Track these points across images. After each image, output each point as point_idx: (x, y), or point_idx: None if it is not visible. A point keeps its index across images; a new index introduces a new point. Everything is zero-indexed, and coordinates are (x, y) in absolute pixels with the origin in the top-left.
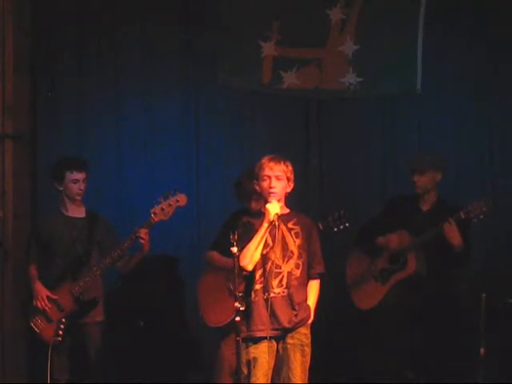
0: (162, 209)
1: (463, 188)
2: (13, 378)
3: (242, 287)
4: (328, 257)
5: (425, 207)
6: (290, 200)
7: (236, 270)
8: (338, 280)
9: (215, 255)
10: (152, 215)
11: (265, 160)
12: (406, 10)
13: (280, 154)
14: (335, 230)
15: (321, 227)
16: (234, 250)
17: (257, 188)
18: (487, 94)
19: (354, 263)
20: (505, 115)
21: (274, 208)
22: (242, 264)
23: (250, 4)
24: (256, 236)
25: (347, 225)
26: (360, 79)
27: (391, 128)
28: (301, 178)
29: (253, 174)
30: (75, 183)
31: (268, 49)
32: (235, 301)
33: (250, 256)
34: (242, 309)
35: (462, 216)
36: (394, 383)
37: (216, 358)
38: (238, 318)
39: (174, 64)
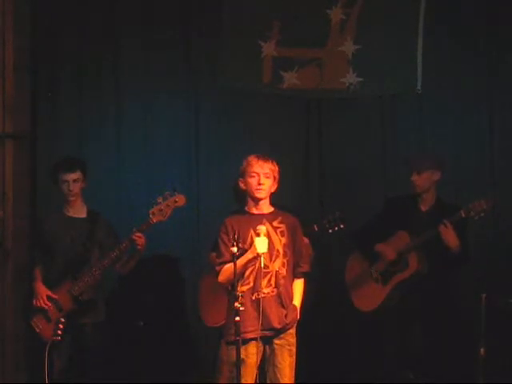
0: (161, 210)
1: (463, 188)
2: (13, 378)
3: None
4: (328, 257)
5: (424, 207)
6: (290, 200)
7: (237, 270)
8: (337, 280)
9: (214, 256)
10: (150, 216)
11: (253, 157)
12: (406, 10)
13: (280, 154)
14: (330, 231)
15: (316, 229)
16: (234, 249)
17: (242, 185)
18: (487, 94)
19: (354, 264)
20: (505, 115)
21: (263, 246)
22: (219, 279)
23: (250, 4)
24: (238, 263)
25: (342, 226)
26: (360, 79)
27: (391, 128)
28: (301, 178)
29: None
30: (64, 184)
31: (268, 49)
32: (235, 301)
33: (227, 277)
34: (241, 309)
35: (463, 215)
36: (393, 383)
37: (216, 358)
38: (237, 318)
39: (174, 64)
